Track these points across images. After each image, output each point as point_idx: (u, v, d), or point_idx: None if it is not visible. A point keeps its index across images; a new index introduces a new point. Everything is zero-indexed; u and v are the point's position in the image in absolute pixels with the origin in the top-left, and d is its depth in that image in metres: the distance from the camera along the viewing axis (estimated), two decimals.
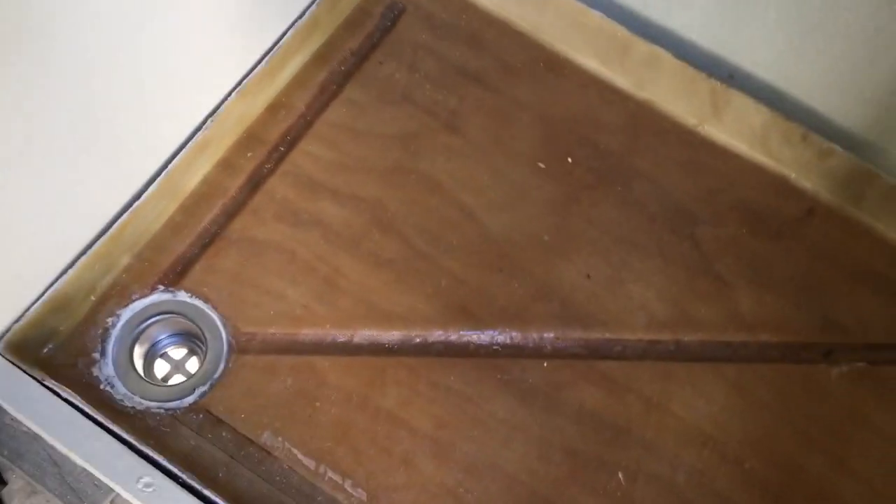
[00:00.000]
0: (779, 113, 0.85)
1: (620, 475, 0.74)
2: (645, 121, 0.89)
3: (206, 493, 0.66)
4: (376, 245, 0.80)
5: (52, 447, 0.74)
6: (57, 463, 0.73)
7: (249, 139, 0.83)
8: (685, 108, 0.89)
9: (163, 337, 0.77)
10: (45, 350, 0.72)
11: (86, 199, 0.73)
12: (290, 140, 0.84)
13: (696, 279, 0.82)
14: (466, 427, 0.74)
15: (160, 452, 0.67)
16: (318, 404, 0.73)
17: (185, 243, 0.78)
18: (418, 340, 0.77)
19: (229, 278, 0.77)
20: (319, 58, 0.88)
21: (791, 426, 0.77)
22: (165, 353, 0.78)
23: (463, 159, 0.85)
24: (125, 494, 0.66)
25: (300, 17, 0.86)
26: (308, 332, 0.76)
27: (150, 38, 0.69)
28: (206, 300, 0.76)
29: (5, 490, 0.74)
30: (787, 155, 0.87)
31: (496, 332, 0.78)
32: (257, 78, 0.83)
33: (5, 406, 0.68)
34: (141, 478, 0.65)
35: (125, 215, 0.76)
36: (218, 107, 0.81)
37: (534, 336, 0.78)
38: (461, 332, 0.78)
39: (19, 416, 0.68)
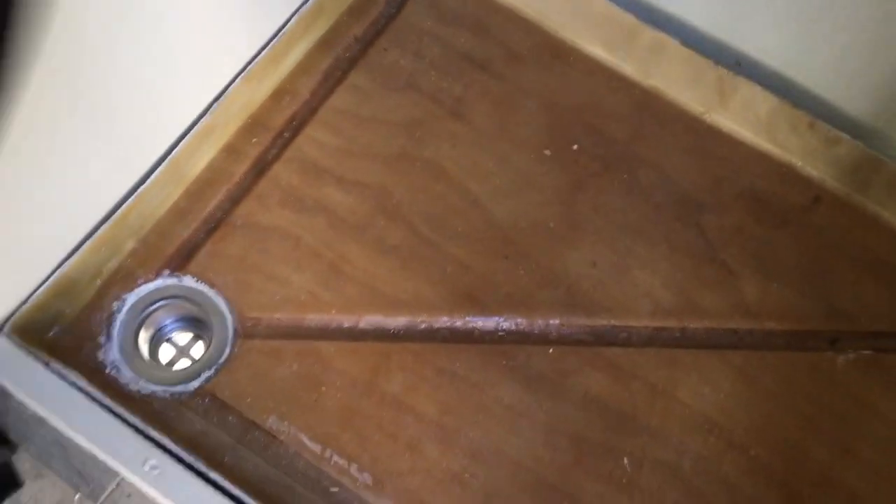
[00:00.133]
0: (786, 101, 0.85)
1: (626, 461, 0.74)
2: (651, 108, 0.89)
3: (213, 475, 0.66)
4: (381, 231, 0.80)
5: (58, 430, 0.73)
6: (63, 446, 0.73)
7: (254, 125, 0.83)
8: (692, 96, 0.89)
9: (168, 322, 0.77)
10: (51, 333, 0.72)
11: (91, 183, 0.73)
12: (295, 126, 0.84)
13: (701, 267, 0.82)
14: (472, 413, 0.74)
15: (166, 435, 0.67)
16: (323, 389, 0.73)
17: (190, 228, 0.78)
18: (424, 326, 0.77)
19: (234, 264, 0.77)
20: (324, 44, 0.88)
21: (796, 413, 0.77)
22: (171, 337, 0.78)
23: (468, 146, 0.85)
24: (131, 477, 0.66)
25: (305, 2, 0.86)
26: (313, 318, 0.76)
27: (155, 24, 0.69)
28: (211, 285, 0.76)
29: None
30: (794, 143, 0.86)
31: (502, 319, 0.78)
32: (262, 64, 0.83)
33: (11, 389, 0.68)
34: (147, 460, 0.65)
35: (130, 200, 0.75)
36: (223, 92, 0.81)
37: (539, 323, 0.78)
38: (467, 319, 0.78)
39: (25, 400, 0.68)
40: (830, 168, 0.86)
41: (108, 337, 0.73)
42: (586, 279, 0.80)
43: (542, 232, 0.82)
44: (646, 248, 0.82)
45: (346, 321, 0.76)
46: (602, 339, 0.79)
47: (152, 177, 0.76)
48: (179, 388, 0.71)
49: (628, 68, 0.90)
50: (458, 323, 0.77)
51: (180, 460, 0.66)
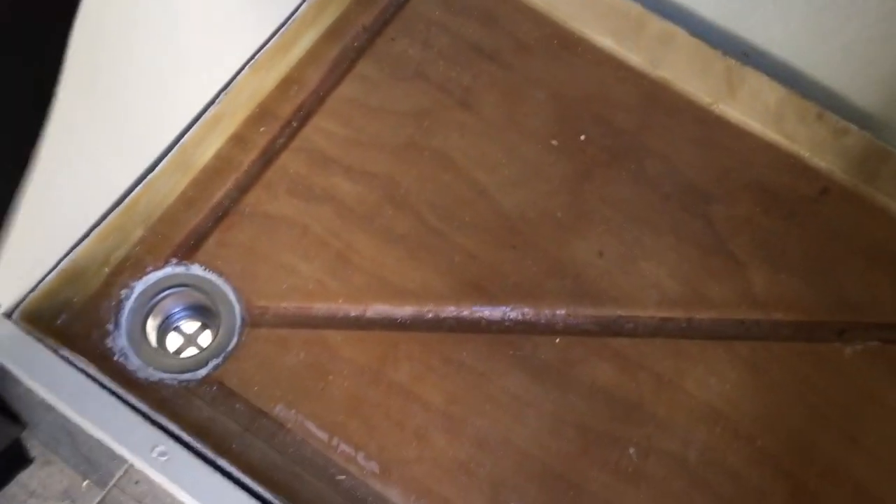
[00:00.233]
0: (794, 91, 0.85)
1: (632, 451, 0.74)
2: (659, 99, 0.89)
3: (220, 462, 0.66)
4: (389, 221, 0.80)
5: (66, 417, 0.74)
6: (71, 433, 0.74)
7: (262, 114, 0.83)
8: (700, 87, 0.88)
9: (176, 310, 0.77)
10: (59, 321, 0.72)
11: (99, 171, 0.73)
12: (303, 115, 0.84)
13: (709, 257, 0.82)
14: (478, 402, 0.74)
15: (174, 423, 0.67)
16: (330, 378, 0.73)
17: (198, 217, 0.78)
18: (431, 316, 0.77)
19: (242, 252, 0.77)
20: (332, 33, 0.88)
21: (803, 404, 0.77)
22: (178, 326, 0.78)
23: (476, 136, 0.85)
24: (140, 464, 0.66)
25: None
26: (321, 307, 0.76)
27: (164, 12, 0.69)
28: (219, 273, 0.76)
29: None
30: (802, 134, 0.86)
31: (509, 309, 0.78)
32: (270, 53, 0.83)
33: (20, 376, 0.69)
34: (155, 447, 0.66)
35: (138, 188, 0.76)
36: (231, 81, 0.81)
37: (546, 312, 0.78)
38: (474, 308, 0.78)
39: (34, 386, 0.68)
40: (838, 159, 0.86)
41: (117, 324, 0.73)
42: (593, 269, 0.80)
43: (550, 222, 0.82)
44: (653, 238, 0.82)
45: (354, 310, 0.76)
46: (609, 329, 0.79)
47: (160, 165, 0.76)
48: (187, 376, 0.72)
49: (636, 59, 0.90)
50: (466, 312, 0.78)
51: (188, 447, 0.67)
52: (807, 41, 0.85)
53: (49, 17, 0.45)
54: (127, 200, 0.75)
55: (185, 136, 0.78)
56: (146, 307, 0.74)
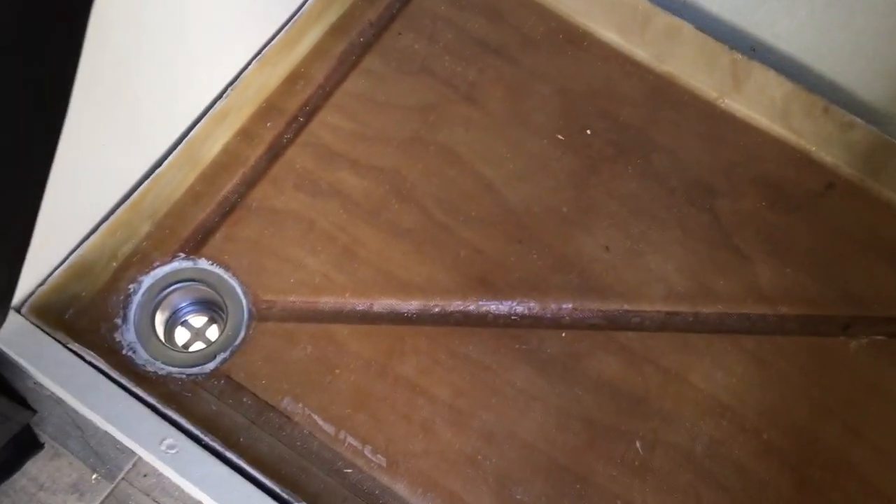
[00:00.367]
0: (800, 85, 0.85)
1: (638, 444, 0.74)
2: (665, 93, 0.89)
3: (229, 455, 0.67)
4: (395, 215, 0.80)
5: (74, 410, 0.74)
6: (80, 426, 0.74)
7: (269, 109, 0.83)
8: (706, 81, 0.88)
9: (184, 304, 0.78)
10: (68, 315, 0.73)
11: (107, 166, 0.73)
12: (310, 110, 0.84)
13: (715, 252, 0.82)
14: (485, 396, 0.74)
15: (182, 416, 0.67)
16: (337, 371, 0.73)
17: (205, 212, 0.78)
18: (437, 310, 0.77)
19: (249, 247, 0.77)
20: (338, 28, 0.88)
21: (809, 398, 0.77)
22: (186, 320, 0.79)
23: (482, 131, 0.85)
24: (148, 457, 0.67)
25: None
26: (328, 301, 0.76)
27: (171, 7, 0.70)
28: (226, 268, 0.76)
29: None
30: (808, 128, 0.86)
31: (515, 303, 0.78)
32: (277, 48, 0.83)
33: (29, 369, 0.69)
34: (164, 440, 0.66)
35: (146, 183, 0.76)
36: (238, 76, 0.82)
37: (552, 307, 0.79)
38: (480, 302, 0.78)
39: (43, 380, 0.69)
40: (844, 153, 0.86)
41: (125, 319, 0.73)
42: (599, 263, 0.80)
43: (556, 216, 0.82)
44: (659, 232, 0.82)
45: (360, 304, 0.76)
46: (615, 323, 0.79)
47: (168, 160, 0.77)
48: (195, 370, 0.72)
49: (642, 53, 0.90)
50: (472, 307, 0.78)
51: (196, 440, 0.67)
52: (813, 36, 0.85)
53: (66, 18, 0.46)
54: (134, 195, 0.75)
55: (193, 131, 0.79)
56: (154, 301, 0.74)
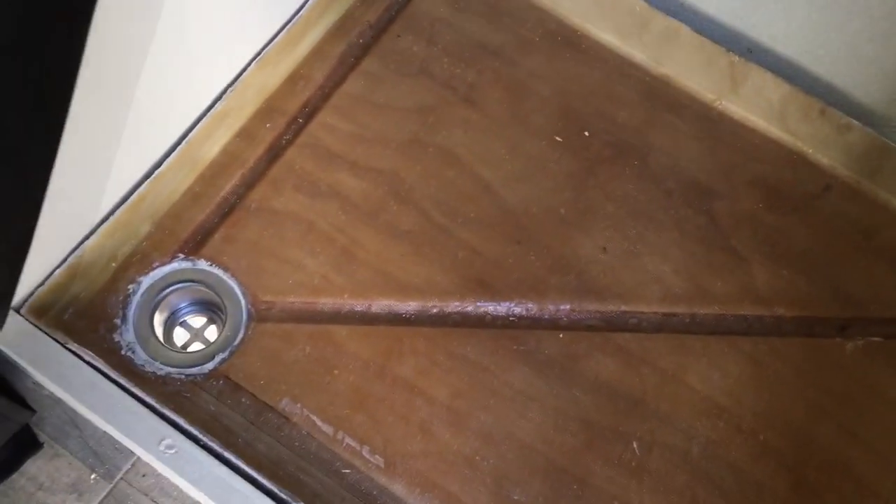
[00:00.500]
0: (797, 87, 0.85)
1: (635, 445, 0.74)
2: (662, 95, 0.89)
3: (227, 455, 0.67)
4: (394, 217, 0.81)
5: (74, 410, 0.75)
6: (79, 426, 0.74)
7: (268, 110, 0.84)
8: (703, 83, 0.89)
9: (183, 305, 0.78)
10: (67, 315, 0.73)
11: (106, 167, 0.73)
12: (309, 111, 0.84)
13: (712, 253, 0.82)
14: (483, 396, 0.75)
15: (181, 416, 0.67)
16: (336, 372, 0.74)
17: (204, 213, 0.79)
18: (435, 311, 0.78)
19: (248, 248, 0.77)
20: (338, 30, 0.89)
21: (805, 399, 0.77)
22: (185, 320, 0.79)
23: (480, 132, 0.85)
24: (147, 457, 0.67)
25: None
26: (326, 302, 0.76)
27: (171, 8, 0.70)
28: (225, 269, 0.76)
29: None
30: (805, 130, 0.87)
31: (513, 304, 0.78)
32: (276, 49, 0.84)
33: (28, 369, 0.69)
34: (162, 440, 0.66)
35: (145, 184, 0.76)
36: (237, 78, 0.82)
37: (550, 308, 0.79)
38: (478, 303, 0.78)
39: (42, 380, 0.69)
40: (841, 155, 0.86)
41: (124, 319, 0.73)
42: (597, 265, 0.81)
43: (554, 218, 0.82)
44: (656, 234, 0.83)
45: (359, 305, 0.77)
46: (612, 324, 0.79)
47: (167, 161, 0.77)
48: (194, 370, 0.72)
49: (640, 55, 0.90)
50: (470, 308, 0.78)
51: (195, 441, 0.67)
52: (810, 38, 0.85)
53: (66, 18, 0.46)
54: (134, 196, 0.76)
55: (192, 132, 0.79)
56: (153, 302, 0.74)
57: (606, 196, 0.84)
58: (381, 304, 0.77)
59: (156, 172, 0.77)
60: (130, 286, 0.75)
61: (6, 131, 0.46)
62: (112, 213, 0.75)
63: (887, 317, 0.81)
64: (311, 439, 0.71)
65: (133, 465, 0.74)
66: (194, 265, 0.76)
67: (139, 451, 0.68)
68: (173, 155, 0.77)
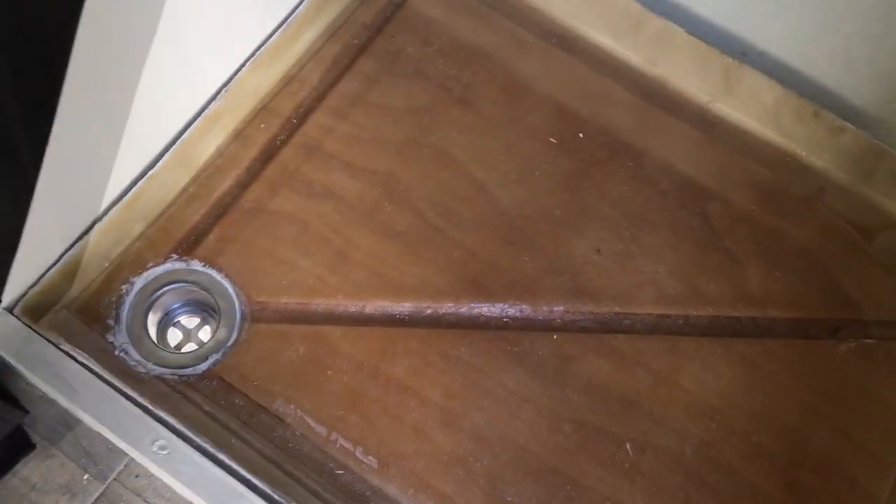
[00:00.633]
0: (791, 90, 0.85)
1: (628, 447, 0.74)
2: (657, 97, 0.89)
3: (220, 456, 0.67)
4: (389, 217, 0.81)
5: (67, 411, 0.74)
6: (72, 427, 0.74)
7: (263, 110, 0.84)
8: (697, 85, 0.89)
9: (176, 305, 0.78)
10: (60, 316, 0.73)
11: (100, 167, 0.73)
12: (304, 112, 0.84)
13: (706, 255, 0.83)
14: (476, 397, 0.75)
15: (174, 417, 0.67)
16: (329, 373, 0.74)
17: (198, 213, 0.78)
18: (429, 312, 0.78)
19: (242, 248, 0.77)
20: (333, 30, 0.88)
21: (798, 401, 0.78)
22: (178, 321, 0.79)
23: (475, 134, 0.86)
24: (140, 457, 0.67)
25: None
26: (320, 302, 0.76)
27: (165, 8, 0.70)
28: (219, 269, 0.76)
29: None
30: (799, 132, 0.87)
31: (507, 305, 0.79)
32: (271, 50, 0.84)
33: (21, 370, 0.69)
34: (156, 441, 0.66)
35: (139, 184, 0.76)
36: (232, 78, 0.82)
37: (544, 309, 0.79)
38: (472, 304, 0.78)
39: (35, 380, 0.69)
40: (835, 157, 0.86)
41: (117, 320, 0.73)
42: (591, 266, 0.81)
43: (548, 219, 0.82)
44: (650, 235, 0.83)
45: (353, 306, 0.77)
46: (606, 325, 0.79)
47: (161, 162, 0.77)
48: (187, 371, 0.72)
49: (634, 57, 0.90)
50: (464, 309, 0.78)
51: (188, 441, 0.67)
52: (804, 40, 0.85)
53: (53, 15, 0.46)
54: (128, 196, 0.75)
55: (186, 132, 0.79)
56: (147, 302, 0.74)
57: (601, 197, 0.84)
58: (375, 305, 0.77)
59: (150, 173, 0.76)
60: (124, 286, 0.75)
61: None
62: (106, 213, 0.75)
63: (881, 319, 0.81)
64: (304, 440, 0.71)
65: (126, 465, 0.74)
66: (188, 266, 0.76)
67: (132, 452, 0.68)
68: (167, 155, 0.77)
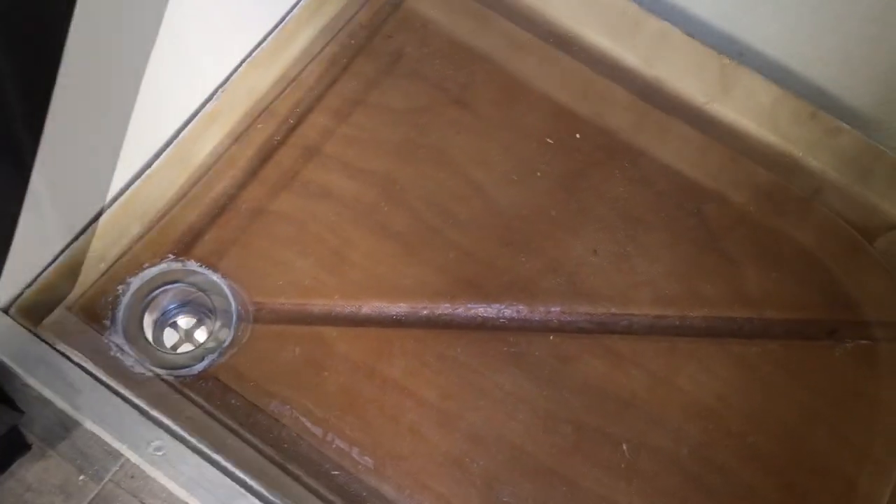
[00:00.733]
0: (788, 91, 0.85)
1: (625, 447, 0.74)
2: (654, 98, 0.89)
3: (216, 457, 0.67)
4: (385, 218, 0.80)
5: (62, 412, 0.74)
6: (67, 427, 0.74)
7: (260, 111, 0.83)
8: (694, 86, 0.89)
9: (173, 306, 0.78)
10: (56, 316, 0.72)
11: (97, 167, 0.73)
12: (300, 112, 0.84)
13: (702, 256, 0.83)
14: (473, 398, 0.75)
15: (170, 418, 0.67)
16: (326, 374, 0.74)
17: (195, 213, 0.78)
18: (426, 312, 0.78)
19: (239, 248, 0.77)
20: (329, 31, 0.88)
21: (794, 402, 0.78)
22: (175, 321, 0.79)
23: (472, 134, 0.85)
24: (136, 458, 0.67)
25: None
26: (317, 303, 0.76)
27: (162, 8, 0.70)
28: (215, 270, 0.76)
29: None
30: (796, 133, 0.87)
31: (503, 306, 0.78)
32: (268, 50, 0.84)
33: (17, 370, 0.69)
34: (151, 442, 0.66)
35: (135, 184, 0.76)
36: (228, 78, 0.82)
37: (540, 310, 0.79)
38: (468, 305, 0.78)
39: (31, 381, 0.69)
40: (832, 158, 0.86)
41: (113, 320, 0.73)
42: (587, 267, 0.81)
43: (545, 220, 0.82)
44: (647, 236, 0.83)
45: (349, 306, 0.77)
46: (602, 326, 0.79)
47: (158, 162, 0.77)
48: (183, 372, 0.72)
49: (631, 58, 0.90)
50: (460, 309, 0.78)
51: (184, 442, 0.67)
52: (801, 41, 0.85)
53: (47, 13, 0.45)
54: (124, 197, 0.75)
55: (183, 132, 0.79)
56: (143, 303, 0.74)
57: (598, 198, 0.84)
58: (371, 306, 0.77)
59: (146, 173, 0.76)
60: (120, 287, 0.75)
61: None
62: (102, 213, 0.75)
63: (877, 320, 0.81)
64: (300, 441, 0.71)
65: (122, 466, 0.73)
66: (184, 266, 0.76)
67: (128, 453, 0.68)
68: (164, 155, 0.77)
